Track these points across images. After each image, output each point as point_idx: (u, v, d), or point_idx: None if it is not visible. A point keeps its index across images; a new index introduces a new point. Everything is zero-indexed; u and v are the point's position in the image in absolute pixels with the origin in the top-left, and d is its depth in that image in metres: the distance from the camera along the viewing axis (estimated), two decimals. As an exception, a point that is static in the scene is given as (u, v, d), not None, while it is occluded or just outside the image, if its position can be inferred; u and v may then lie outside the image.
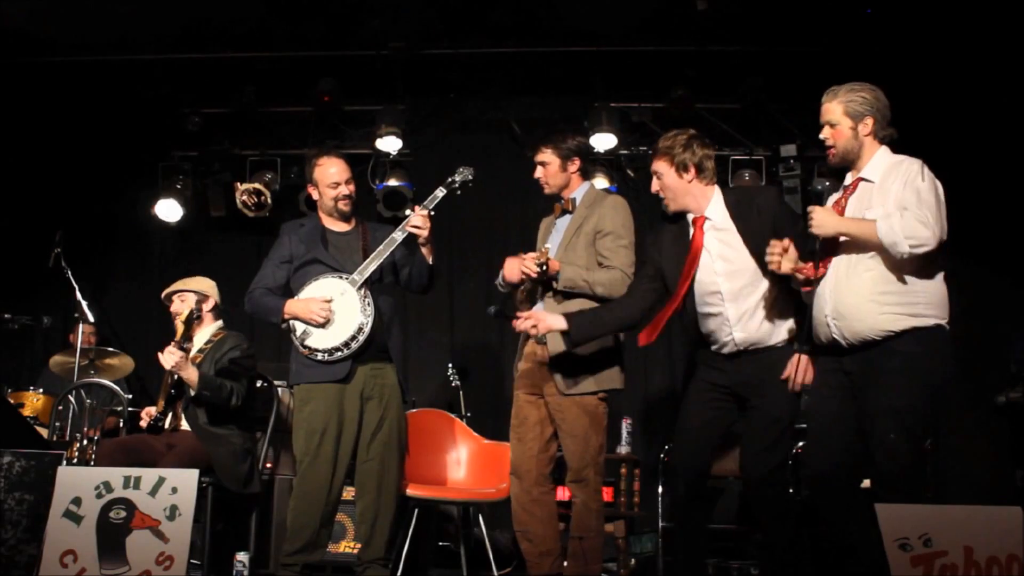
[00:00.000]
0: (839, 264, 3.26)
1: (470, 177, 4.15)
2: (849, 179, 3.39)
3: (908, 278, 3.19)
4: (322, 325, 3.96)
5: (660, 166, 3.63)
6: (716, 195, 3.63)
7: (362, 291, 3.98)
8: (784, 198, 6.34)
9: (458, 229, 6.71)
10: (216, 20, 6.14)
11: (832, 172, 6.56)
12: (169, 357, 4.15)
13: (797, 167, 6.47)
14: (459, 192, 4.16)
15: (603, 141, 6.61)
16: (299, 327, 4.02)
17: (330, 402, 4.01)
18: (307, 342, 3.99)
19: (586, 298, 3.87)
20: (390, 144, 6.70)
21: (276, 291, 4.12)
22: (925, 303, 3.19)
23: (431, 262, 4.09)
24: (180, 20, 6.11)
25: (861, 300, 3.18)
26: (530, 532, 3.94)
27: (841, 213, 3.30)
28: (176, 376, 4.26)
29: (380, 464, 4.03)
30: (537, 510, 3.94)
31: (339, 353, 3.97)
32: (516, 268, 3.93)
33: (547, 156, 4.01)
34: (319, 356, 3.99)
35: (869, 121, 3.33)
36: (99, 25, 6.14)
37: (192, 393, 4.24)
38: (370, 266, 4.00)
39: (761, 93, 6.42)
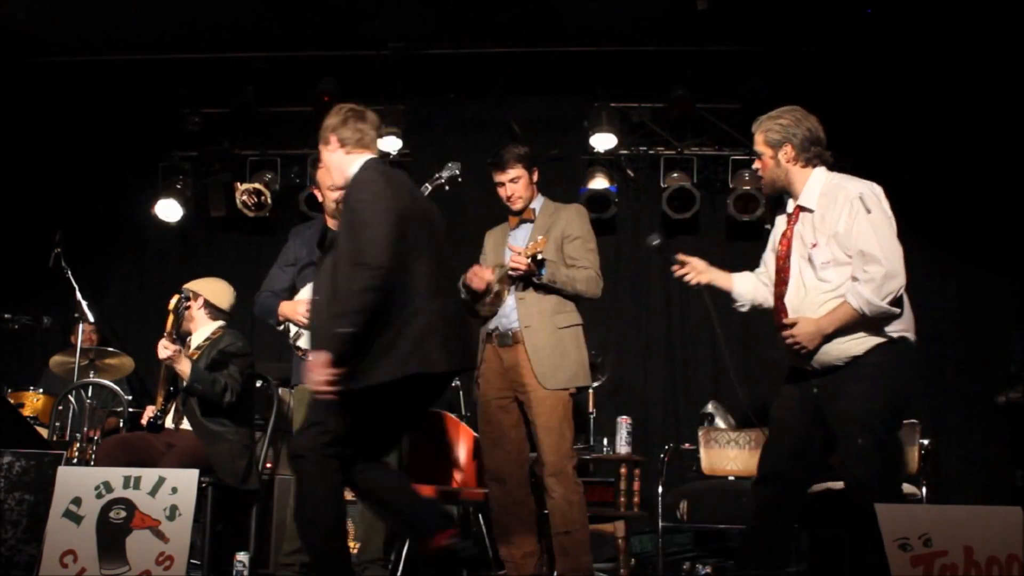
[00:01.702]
0: (794, 300, 3.28)
1: (457, 172, 4.15)
2: (791, 206, 3.39)
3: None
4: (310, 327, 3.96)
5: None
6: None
7: None
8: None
9: (458, 229, 6.69)
10: (216, 20, 6.13)
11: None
12: (163, 350, 4.16)
13: (797, 167, 6.46)
14: (447, 188, 4.15)
15: (603, 141, 6.61)
16: (292, 329, 4.04)
17: None
18: (299, 343, 4.01)
19: (562, 295, 3.95)
20: (390, 144, 6.70)
21: (281, 294, 4.15)
22: (885, 322, 3.20)
23: None
24: (180, 20, 6.10)
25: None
26: (512, 535, 3.99)
27: (788, 245, 3.33)
28: (173, 372, 4.26)
29: None
30: (520, 512, 3.99)
31: None
32: (485, 275, 3.96)
33: (518, 170, 4.05)
34: (311, 357, 3.99)
35: (788, 148, 3.32)
36: (99, 25, 6.14)
37: (184, 384, 4.23)
38: None
39: (761, 93, 6.41)
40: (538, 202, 4.15)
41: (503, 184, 4.08)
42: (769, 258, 3.50)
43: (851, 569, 3.59)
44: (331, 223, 4.24)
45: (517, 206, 4.10)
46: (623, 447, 5.20)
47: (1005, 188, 6.34)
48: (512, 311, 3.99)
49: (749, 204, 6.55)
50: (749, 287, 3.53)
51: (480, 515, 4.73)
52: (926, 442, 4.47)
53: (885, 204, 3.28)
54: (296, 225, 4.52)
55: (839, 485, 4.45)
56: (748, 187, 6.55)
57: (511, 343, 3.98)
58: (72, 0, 5.92)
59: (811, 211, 3.29)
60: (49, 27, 6.15)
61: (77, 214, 6.74)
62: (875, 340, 3.19)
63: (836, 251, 3.21)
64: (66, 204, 6.82)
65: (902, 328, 3.22)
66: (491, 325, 4.06)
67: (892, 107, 6.41)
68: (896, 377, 3.21)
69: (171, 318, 4.23)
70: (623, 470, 5.17)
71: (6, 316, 6.00)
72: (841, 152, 6.69)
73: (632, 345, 6.71)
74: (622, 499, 5.14)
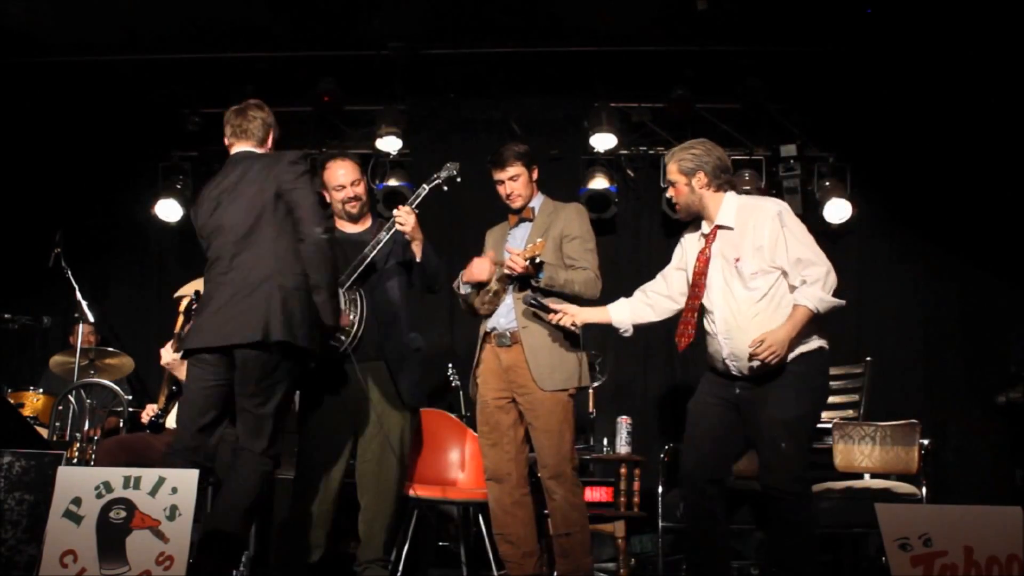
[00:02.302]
0: (726, 314, 3.54)
1: (455, 172, 4.12)
2: (707, 228, 3.67)
3: (788, 314, 3.47)
4: None
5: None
6: None
7: (348, 294, 3.97)
8: None
9: (457, 229, 6.71)
10: (216, 20, 6.13)
11: (833, 174, 6.60)
12: (164, 354, 4.17)
13: (797, 167, 6.48)
14: (445, 188, 4.14)
15: (603, 141, 6.61)
16: None
17: (323, 402, 4.04)
18: None
19: (560, 296, 3.94)
20: (390, 144, 6.70)
21: None
22: (806, 332, 3.47)
23: (419, 259, 4.07)
24: (180, 20, 6.11)
25: None
26: (512, 535, 3.99)
27: (706, 262, 3.61)
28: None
29: (377, 465, 4.04)
30: (519, 512, 3.99)
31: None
32: (486, 267, 3.98)
33: (517, 168, 4.06)
34: None
35: (701, 175, 3.62)
36: (99, 25, 6.14)
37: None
38: (357, 268, 3.99)
39: (761, 93, 6.41)
40: (538, 200, 4.15)
41: (502, 182, 4.08)
42: (675, 275, 3.79)
43: (772, 563, 3.75)
44: (339, 223, 4.25)
45: (516, 204, 4.10)
46: (623, 447, 5.20)
47: (1005, 189, 6.34)
48: (510, 311, 4.00)
49: (749, 204, 6.54)
50: (626, 314, 3.84)
51: (480, 515, 4.74)
52: (926, 442, 4.48)
53: (794, 215, 3.65)
54: None
55: (841, 485, 4.52)
56: (748, 187, 6.55)
57: (509, 343, 3.98)
58: (72, 0, 5.92)
59: (730, 229, 3.59)
60: (49, 27, 6.15)
61: (77, 214, 6.74)
62: (798, 350, 3.47)
63: (761, 263, 3.50)
64: (66, 204, 6.82)
65: (819, 338, 3.52)
66: (489, 325, 4.07)
67: (892, 107, 6.41)
68: (817, 385, 3.55)
69: (180, 319, 4.25)
70: (623, 470, 5.17)
71: (6, 316, 6.00)
72: (841, 152, 6.77)
73: (632, 345, 6.70)
74: (622, 499, 5.14)
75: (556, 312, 3.81)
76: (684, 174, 3.63)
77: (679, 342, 3.62)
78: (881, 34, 5.96)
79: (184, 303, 4.35)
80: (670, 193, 3.74)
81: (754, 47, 6.27)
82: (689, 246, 3.75)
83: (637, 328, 3.89)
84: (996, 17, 5.67)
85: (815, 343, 3.50)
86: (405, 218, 3.96)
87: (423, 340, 4.29)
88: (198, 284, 4.61)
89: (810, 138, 6.61)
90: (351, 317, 3.96)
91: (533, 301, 3.85)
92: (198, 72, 6.63)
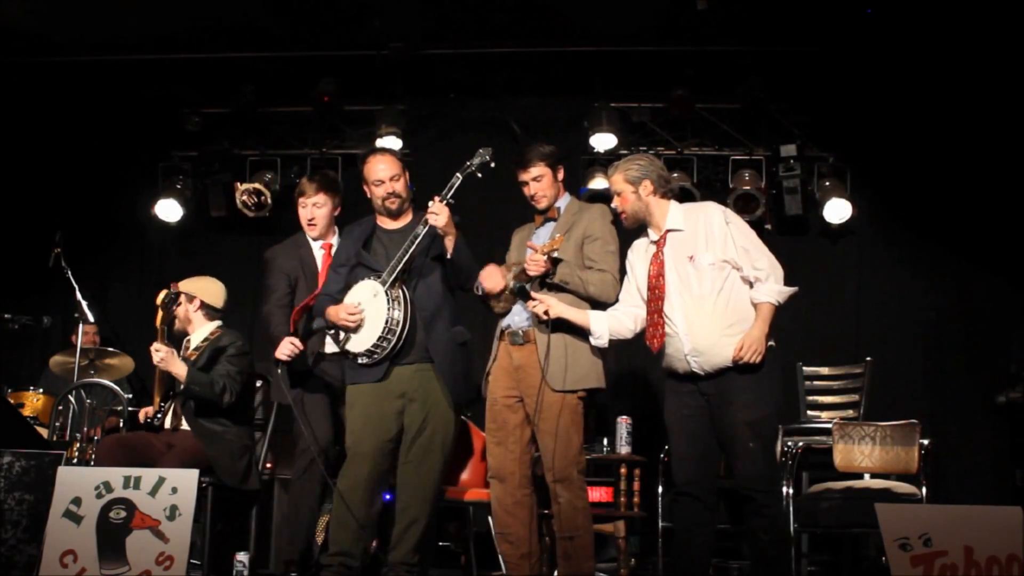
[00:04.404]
0: (686, 311, 3.67)
1: (488, 157, 3.95)
2: (654, 235, 3.83)
3: (743, 310, 3.66)
4: (355, 329, 3.91)
5: None
6: None
7: (391, 291, 3.88)
8: None
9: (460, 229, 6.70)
10: (216, 20, 6.13)
11: (833, 174, 6.60)
12: (155, 353, 4.14)
13: (797, 167, 6.47)
14: (480, 175, 3.98)
15: (603, 141, 6.61)
16: (341, 332, 3.98)
17: (367, 404, 3.96)
18: (347, 346, 3.96)
19: (575, 295, 3.91)
20: (390, 144, 6.69)
21: (337, 296, 4.04)
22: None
23: (450, 255, 3.95)
24: (180, 20, 6.11)
25: (715, 338, 3.61)
26: (512, 534, 3.97)
27: (661, 265, 3.75)
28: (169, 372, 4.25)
29: (418, 468, 3.93)
30: (520, 512, 3.97)
31: (375, 355, 3.90)
32: (496, 279, 3.96)
33: (541, 169, 4.03)
34: (360, 360, 3.95)
35: (647, 183, 3.79)
36: (99, 25, 6.14)
37: (181, 387, 4.22)
38: (397, 266, 3.89)
39: (761, 93, 6.41)
40: (564, 200, 4.11)
41: (526, 183, 4.04)
42: (633, 290, 3.88)
43: (750, 557, 3.91)
44: (379, 220, 4.17)
45: (541, 205, 4.06)
46: (623, 447, 5.20)
47: (1005, 188, 6.34)
48: (525, 309, 3.95)
49: (749, 204, 6.54)
50: (604, 325, 3.88)
51: (480, 515, 4.74)
52: (926, 442, 4.48)
53: (736, 214, 3.91)
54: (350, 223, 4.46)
55: (840, 485, 4.51)
56: (748, 187, 6.55)
57: (521, 342, 3.96)
58: (72, 0, 5.92)
59: (680, 231, 3.76)
60: (49, 27, 6.15)
61: (77, 214, 6.74)
62: None
63: (714, 256, 3.68)
64: (66, 204, 6.83)
65: (772, 337, 3.66)
66: (504, 323, 4.04)
67: (892, 107, 6.41)
68: (775, 382, 3.71)
69: (160, 314, 4.22)
70: (623, 470, 5.16)
71: (6, 316, 6.00)
72: (841, 152, 6.77)
73: (632, 345, 6.67)
74: (622, 499, 5.14)
75: (534, 300, 3.83)
76: (631, 183, 3.78)
77: (652, 343, 3.74)
78: (881, 34, 5.96)
79: (161, 296, 4.30)
80: (615, 203, 3.85)
81: (754, 47, 6.27)
82: (637, 258, 3.89)
83: (613, 341, 3.92)
84: (996, 17, 5.67)
85: (770, 340, 3.66)
86: (439, 211, 3.85)
87: (469, 333, 4.15)
88: (201, 282, 4.61)
89: (810, 138, 6.61)
90: (395, 319, 3.87)
91: (521, 285, 3.87)
92: (198, 72, 6.64)
